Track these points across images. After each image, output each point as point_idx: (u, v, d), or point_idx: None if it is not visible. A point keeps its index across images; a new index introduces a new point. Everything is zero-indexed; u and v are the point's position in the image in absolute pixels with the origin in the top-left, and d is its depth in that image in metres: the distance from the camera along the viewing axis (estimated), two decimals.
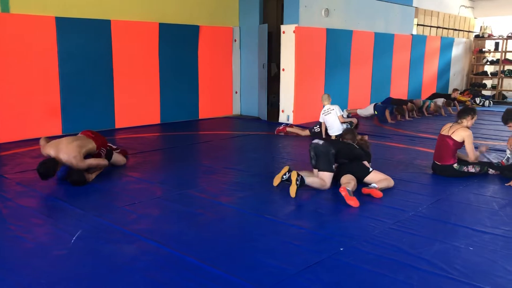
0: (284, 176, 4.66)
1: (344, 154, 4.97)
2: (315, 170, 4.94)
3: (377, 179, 4.84)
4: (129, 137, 7.71)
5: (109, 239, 3.54)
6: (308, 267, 3.09)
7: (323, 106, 7.67)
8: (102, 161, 5.25)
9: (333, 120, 7.50)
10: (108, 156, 5.55)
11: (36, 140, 7.21)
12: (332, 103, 7.65)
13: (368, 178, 4.89)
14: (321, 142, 4.93)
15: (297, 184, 4.57)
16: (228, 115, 10.51)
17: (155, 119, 9.09)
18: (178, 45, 9.18)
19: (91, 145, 5.21)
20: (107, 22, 8.04)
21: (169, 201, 4.49)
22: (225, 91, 10.39)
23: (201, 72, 9.74)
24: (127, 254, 3.29)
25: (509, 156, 5.74)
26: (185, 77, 9.48)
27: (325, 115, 7.59)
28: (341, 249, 3.38)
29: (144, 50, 8.67)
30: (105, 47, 8.11)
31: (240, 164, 6.07)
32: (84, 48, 7.83)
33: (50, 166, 4.78)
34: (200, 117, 9.89)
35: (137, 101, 8.70)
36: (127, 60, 8.44)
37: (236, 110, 10.75)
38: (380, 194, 4.57)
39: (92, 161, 5.11)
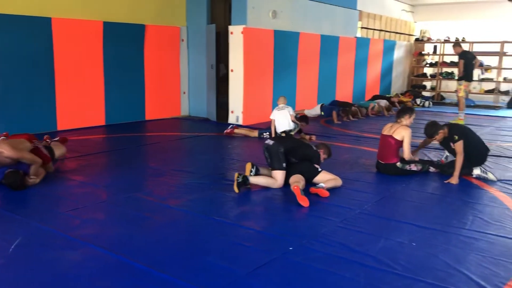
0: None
1: (295, 153, 5.06)
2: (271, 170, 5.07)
3: (325, 179, 4.94)
4: (72, 139, 7.42)
5: (51, 246, 3.39)
6: (258, 267, 3.10)
7: (278, 105, 7.86)
8: (37, 158, 4.93)
9: (284, 117, 7.67)
10: (51, 154, 5.34)
11: None
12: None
13: (317, 179, 4.98)
14: (271, 142, 5.06)
15: (238, 180, 4.72)
16: (176, 116, 10.37)
17: (100, 120, 8.81)
18: (124, 45, 8.95)
19: (24, 142, 4.99)
20: (48, 20, 7.70)
21: (115, 205, 4.37)
22: (172, 91, 10.24)
23: (148, 72, 9.55)
24: (71, 261, 3.16)
25: (448, 154, 6.03)
26: (131, 77, 9.25)
27: (278, 110, 7.75)
28: (291, 248, 3.42)
29: (87, 49, 8.38)
30: (46, 46, 7.76)
31: (189, 166, 6.00)
32: (23, 46, 7.44)
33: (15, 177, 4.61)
34: (147, 118, 9.69)
35: (80, 102, 8.39)
36: (70, 59, 8.12)
37: (184, 111, 10.63)
38: (326, 194, 4.66)
39: (27, 155, 4.82)
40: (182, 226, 3.91)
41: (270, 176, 4.98)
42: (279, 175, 4.91)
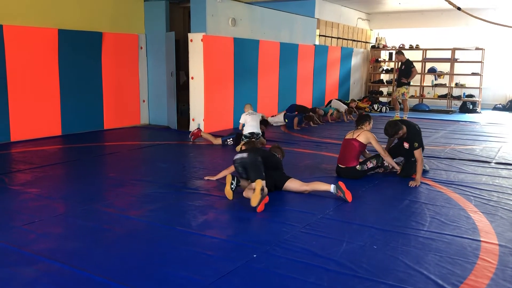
0: (232, 186, 4.69)
1: (269, 162, 5.01)
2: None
3: (297, 185, 5.00)
4: (27, 150, 7.16)
5: (4, 263, 3.24)
6: (222, 276, 3.07)
7: (244, 112, 7.97)
8: None
9: (256, 120, 7.77)
10: None
11: None
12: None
13: (287, 185, 5.03)
14: (245, 154, 4.88)
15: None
16: (135, 124, 10.19)
17: (56, 130, 8.54)
18: (80, 53, 8.73)
19: None
20: None
21: (73, 218, 4.23)
22: (131, 99, 10.07)
23: (106, 81, 9.35)
24: (27, 277, 3.03)
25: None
26: (89, 85, 9.03)
27: (249, 115, 7.82)
28: (254, 255, 3.41)
29: (42, 58, 8.12)
30: None
31: (150, 175, 5.90)
32: None
33: None
34: (105, 128, 9.47)
35: (35, 112, 8.11)
36: (23, 68, 7.85)
37: (144, 120, 10.46)
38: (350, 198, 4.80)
39: None
40: (143, 237, 3.83)
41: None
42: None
